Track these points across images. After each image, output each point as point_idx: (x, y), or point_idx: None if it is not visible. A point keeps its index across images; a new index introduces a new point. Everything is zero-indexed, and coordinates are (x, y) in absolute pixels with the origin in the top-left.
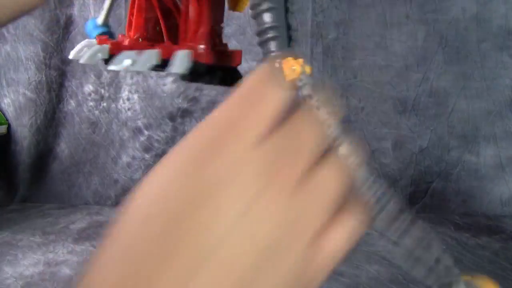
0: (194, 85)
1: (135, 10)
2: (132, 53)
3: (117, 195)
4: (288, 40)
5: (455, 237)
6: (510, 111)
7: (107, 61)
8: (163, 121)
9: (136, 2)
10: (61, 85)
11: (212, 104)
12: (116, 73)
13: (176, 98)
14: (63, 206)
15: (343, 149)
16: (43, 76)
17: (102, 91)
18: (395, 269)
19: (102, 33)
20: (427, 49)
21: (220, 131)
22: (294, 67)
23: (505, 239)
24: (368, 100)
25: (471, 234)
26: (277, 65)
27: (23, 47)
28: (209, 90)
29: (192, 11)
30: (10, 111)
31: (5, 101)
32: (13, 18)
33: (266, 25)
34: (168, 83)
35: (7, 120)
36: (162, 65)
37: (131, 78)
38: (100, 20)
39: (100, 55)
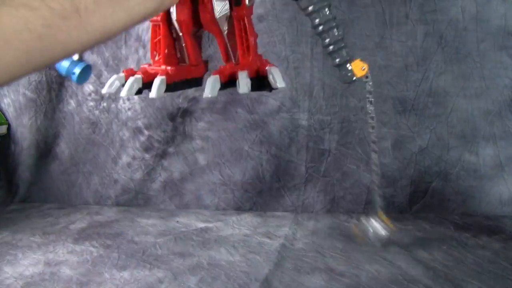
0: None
1: (160, 42)
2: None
3: (117, 195)
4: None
5: (455, 237)
6: (509, 111)
7: (139, 92)
8: (163, 121)
9: (161, 34)
10: (61, 85)
11: (212, 104)
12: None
13: (176, 98)
14: (63, 206)
15: None
16: (43, 76)
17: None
18: (395, 269)
19: (86, 66)
20: (427, 49)
21: None
22: (363, 67)
23: (505, 239)
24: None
25: (471, 234)
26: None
27: None
28: None
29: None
30: (10, 111)
31: (5, 101)
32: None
33: (338, 39)
34: None
35: (7, 120)
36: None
37: None
38: (76, 55)
39: (136, 86)
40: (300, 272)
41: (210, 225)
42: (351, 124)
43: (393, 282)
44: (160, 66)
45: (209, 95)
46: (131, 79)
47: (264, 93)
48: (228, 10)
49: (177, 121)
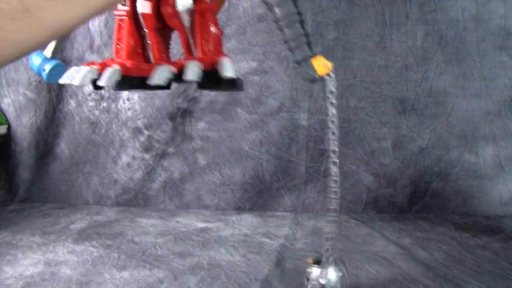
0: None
1: (123, 35)
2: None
3: (117, 195)
4: (309, 44)
5: (455, 237)
6: (509, 111)
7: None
8: (163, 121)
9: (126, 28)
10: (61, 85)
11: (212, 104)
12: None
13: (176, 98)
14: (63, 206)
15: None
16: None
17: (102, 91)
18: (395, 269)
19: (58, 64)
20: (427, 49)
21: None
22: (325, 64)
23: (505, 239)
24: (368, 100)
25: (471, 234)
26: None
27: None
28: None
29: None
30: (10, 111)
31: (5, 101)
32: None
33: (300, 34)
34: None
35: (7, 120)
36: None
37: None
38: (48, 53)
39: (90, 75)
40: (300, 272)
41: (210, 225)
42: (351, 124)
43: (393, 282)
44: (121, 60)
45: (154, 82)
46: (85, 68)
47: (264, 93)
48: (191, 4)
49: (177, 121)
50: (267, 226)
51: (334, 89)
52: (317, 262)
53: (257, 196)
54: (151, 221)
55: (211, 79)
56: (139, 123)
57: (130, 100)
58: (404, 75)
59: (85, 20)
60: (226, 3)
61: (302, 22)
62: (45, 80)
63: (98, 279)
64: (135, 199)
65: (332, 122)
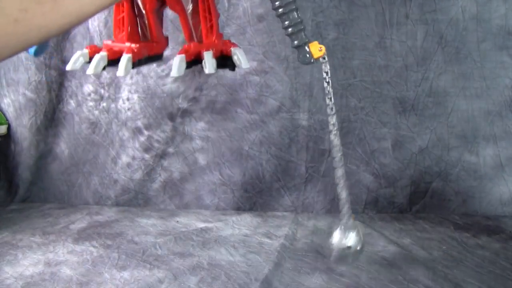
0: (194, 85)
1: (124, 19)
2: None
3: (117, 195)
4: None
5: (455, 237)
6: (509, 111)
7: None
8: (163, 121)
9: (125, 10)
10: (61, 85)
11: (212, 104)
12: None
13: (176, 98)
14: (63, 206)
15: None
16: (43, 76)
17: (102, 91)
18: (395, 269)
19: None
20: (427, 49)
21: None
22: (320, 48)
23: (505, 239)
24: (368, 100)
25: (471, 234)
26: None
27: None
28: (209, 90)
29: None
30: (10, 111)
31: (5, 101)
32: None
33: (296, 20)
34: (168, 83)
35: (7, 120)
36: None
37: (131, 78)
38: None
39: (102, 63)
40: (300, 272)
41: (210, 225)
42: (351, 124)
43: (393, 282)
44: (123, 43)
45: (176, 75)
46: (97, 56)
47: (264, 93)
48: None
49: (177, 121)
50: (267, 226)
51: (328, 70)
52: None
53: (257, 196)
54: (151, 221)
55: (219, 63)
56: (139, 123)
57: (130, 100)
58: (404, 75)
59: (107, 6)
60: (226, 3)
61: (297, 10)
62: (32, 54)
63: (98, 279)
64: (135, 199)
65: (330, 99)
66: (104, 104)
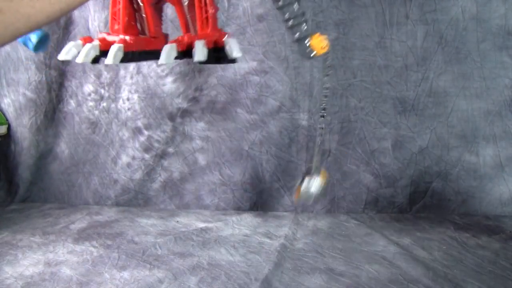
0: (194, 85)
1: (119, 9)
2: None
3: (117, 195)
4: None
5: (455, 237)
6: (509, 111)
7: (96, 60)
8: (163, 121)
9: (121, 2)
10: (61, 85)
11: (212, 104)
12: (116, 73)
13: (176, 98)
14: (63, 206)
15: None
16: (43, 76)
17: (102, 91)
18: (395, 269)
19: (44, 34)
20: (427, 49)
21: None
22: (323, 41)
23: (505, 239)
24: (368, 100)
25: (471, 234)
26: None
27: (23, 47)
28: (209, 90)
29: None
30: (10, 111)
31: (5, 101)
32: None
33: (299, 13)
34: (168, 83)
35: (7, 120)
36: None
37: (131, 78)
38: None
39: (93, 52)
40: (300, 272)
41: (210, 225)
42: (351, 124)
43: (393, 282)
44: (118, 35)
45: (164, 62)
46: (88, 45)
47: (264, 93)
48: None
49: (177, 121)
50: (267, 226)
51: (329, 64)
52: (308, 173)
53: (257, 196)
54: (151, 221)
55: (214, 55)
56: (139, 123)
57: (130, 100)
58: (404, 75)
59: None
60: (226, 3)
61: (299, 2)
62: (32, 50)
63: (98, 279)
64: (135, 199)
65: (326, 88)
66: (104, 104)
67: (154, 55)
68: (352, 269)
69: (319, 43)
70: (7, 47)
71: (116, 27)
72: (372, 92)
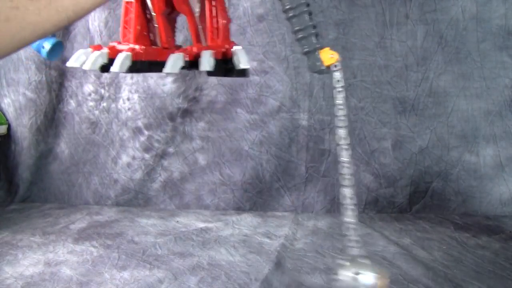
0: (194, 85)
1: (131, 19)
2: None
3: (117, 195)
4: (316, 35)
5: (455, 237)
6: (509, 111)
7: (104, 68)
8: (163, 121)
9: (133, 12)
10: (61, 85)
11: (212, 104)
12: (116, 73)
13: (176, 98)
14: (63, 206)
15: None
16: (43, 76)
17: (102, 91)
18: (395, 269)
19: (57, 42)
20: (427, 49)
21: None
22: (332, 55)
23: (505, 239)
24: (368, 100)
25: (471, 234)
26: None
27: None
28: (209, 90)
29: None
30: (10, 111)
31: (5, 101)
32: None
33: (308, 25)
34: (168, 83)
35: (7, 120)
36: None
37: (131, 78)
38: None
39: (100, 60)
40: (300, 272)
41: (210, 225)
42: (351, 124)
43: (393, 282)
44: (129, 44)
45: (169, 71)
46: (96, 52)
47: (264, 93)
48: None
49: (177, 121)
50: (267, 226)
51: (341, 79)
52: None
53: (257, 196)
54: (151, 221)
55: (223, 67)
56: (139, 123)
57: (130, 100)
58: (404, 75)
59: (103, 2)
60: (226, 3)
61: (310, 13)
62: (45, 57)
63: (98, 279)
64: (135, 199)
65: (340, 109)
66: (105, 104)
67: (164, 66)
68: None
69: (327, 55)
70: None
71: (127, 36)
72: (372, 92)
